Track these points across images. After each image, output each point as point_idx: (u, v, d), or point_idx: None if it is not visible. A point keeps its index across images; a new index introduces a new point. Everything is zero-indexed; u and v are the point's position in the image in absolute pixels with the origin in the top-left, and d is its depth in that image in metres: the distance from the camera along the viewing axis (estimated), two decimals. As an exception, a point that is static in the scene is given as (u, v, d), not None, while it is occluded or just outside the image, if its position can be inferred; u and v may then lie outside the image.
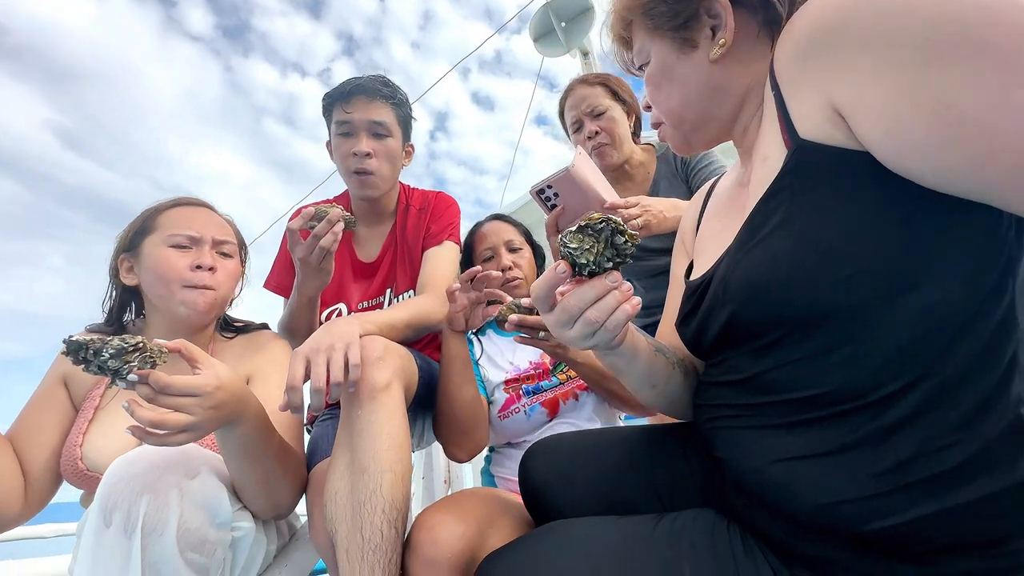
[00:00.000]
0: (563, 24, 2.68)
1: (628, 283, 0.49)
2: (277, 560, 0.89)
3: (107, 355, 0.57)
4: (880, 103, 0.38)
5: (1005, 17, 0.32)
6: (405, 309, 0.97)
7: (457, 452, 1.00)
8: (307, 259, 0.93)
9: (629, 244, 0.47)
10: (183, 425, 0.61)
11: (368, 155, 1.09)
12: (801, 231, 0.43)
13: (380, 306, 1.18)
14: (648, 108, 0.66)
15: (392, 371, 0.77)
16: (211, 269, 0.89)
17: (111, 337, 0.59)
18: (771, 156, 0.48)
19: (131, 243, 0.91)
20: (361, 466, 0.69)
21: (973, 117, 0.33)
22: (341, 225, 0.92)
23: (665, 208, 0.98)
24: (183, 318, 0.90)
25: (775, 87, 0.47)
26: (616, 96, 1.31)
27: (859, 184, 0.40)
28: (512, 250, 1.22)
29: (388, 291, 1.19)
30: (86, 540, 0.65)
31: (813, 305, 0.43)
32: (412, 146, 1.23)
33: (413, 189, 1.28)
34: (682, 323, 0.63)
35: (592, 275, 0.48)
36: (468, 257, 1.28)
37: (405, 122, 1.17)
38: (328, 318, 1.16)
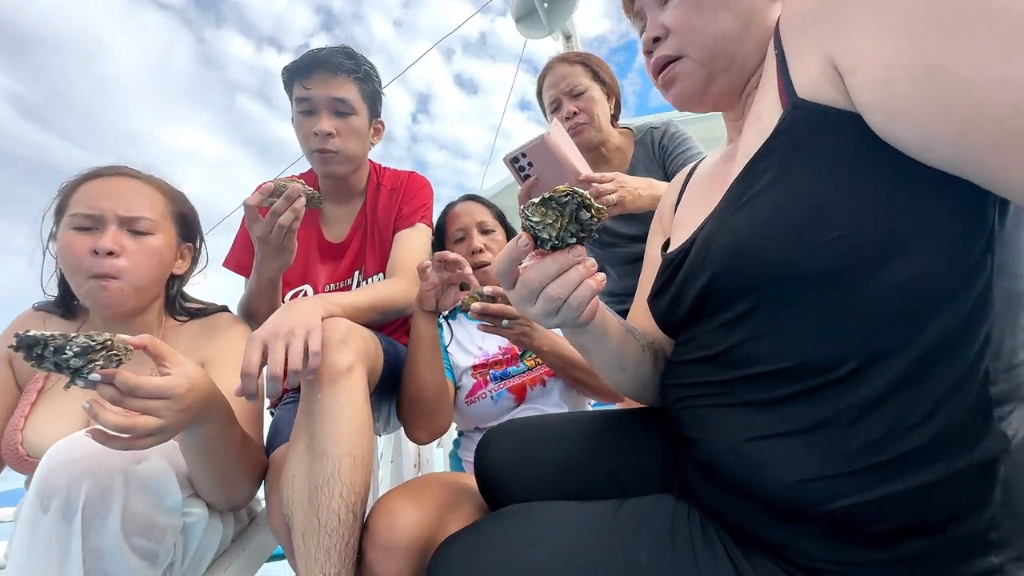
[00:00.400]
0: (546, 5, 2.63)
1: (592, 259, 0.47)
2: (235, 544, 0.87)
3: (70, 353, 0.53)
4: (877, 62, 0.37)
5: None
6: (372, 292, 0.94)
7: (419, 434, 0.98)
8: (266, 238, 0.87)
9: (595, 220, 0.45)
10: (151, 429, 0.58)
11: (330, 134, 1.03)
12: (789, 192, 0.42)
13: (348, 288, 1.14)
14: (655, 42, 0.59)
15: (355, 354, 0.75)
16: (110, 253, 0.78)
17: (75, 335, 0.54)
18: (765, 117, 0.47)
19: (54, 225, 0.84)
20: (320, 450, 0.67)
21: (964, 82, 0.32)
22: (302, 201, 0.86)
23: (640, 186, 0.97)
24: (96, 311, 0.84)
25: (778, 46, 0.46)
26: (596, 76, 1.28)
27: (852, 147, 0.39)
28: (484, 232, 1.19)
29: (357, 273, 1.15)
30: (21, 527, 0.62)
31: (795, 268, 0.41)
32: (382, 123, 1.16)
33: (385, 168, 1.22)
34: (655, 296, 0.61)
35: (555, 249, 0.46)
36: (440, 238, 1.24)
37: (372, 97, 1.10)
38: (297, 297, 1.11)
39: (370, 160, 1.21)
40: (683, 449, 0.57)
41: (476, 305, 0.81)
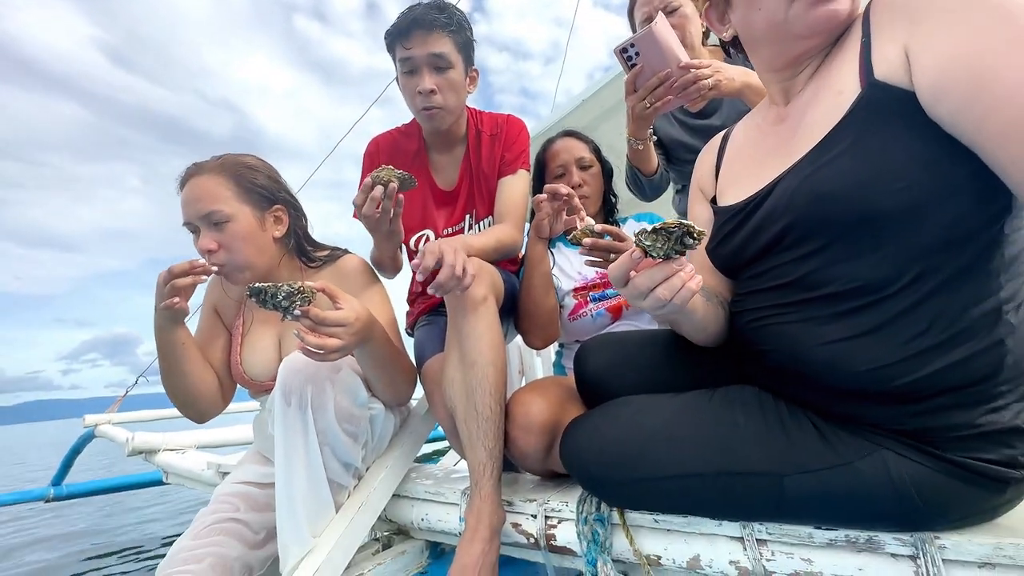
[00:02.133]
0: None
1: (691, 265, 0.59)
2: (402, 430, 1.17)
3: (280, 297, 0.77)
4: (938, 53, 0.48)
5: None
6: (491, 236, 1.08)
7: (535, 341, 1.20)
8: (374, 228, 1.00)
9: (696, 242, 0.56)
10: (335, 347, 0.81)
11: (432, 92, 1.11)
12: (866, 154, 0.54)
13: (462, 231, 1.28)
14: None
15: (486, 287, 0.94)
16: (209, 252, 0.96)
17: (282, 284, 0.78)
18: (845, 91, 0.57)
19: None
20: (471, 360, 0.90)
21: (996, 78, 0.43)
22: (393, 187, 0.95)
23: (736, 74, 1.03)
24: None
25: (866, 33, 0.56)
26: None
27: (913, 122, 0.51)
28: (583, 167, 1.29)
29: (468, 217, 1.27)
30: (277, 415, 0.90)
31: (868, 209, 0.53)
32: (476, 71, 1.23)
33: (481, 113, 1.30)
34: (720, 244, 0.73)
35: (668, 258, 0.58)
36: (540, 172, 1.34)
37: (466, 47, 1.17)
38: (417, 243, 1.28)
39: (467, 106, 1.28)
40: (755, 360, 0.71)
41: (587, 240, 0.94)
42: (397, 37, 1.12)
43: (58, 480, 2.59)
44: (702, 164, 0.86)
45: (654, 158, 1.30)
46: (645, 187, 1.37)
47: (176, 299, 0.92)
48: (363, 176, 1.27)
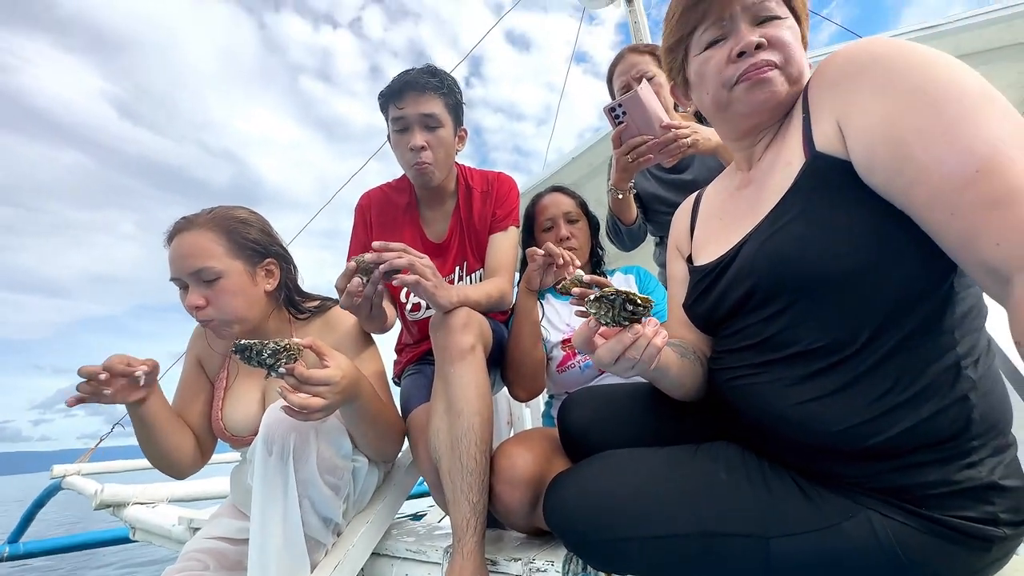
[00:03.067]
0: (605, -27, 2.62)
1: (656, 321, 0.62)
2: (385, 484, 1.13)
3: (265, 355, 0.76)
4: (866, 127, 0.53)
5: (964, 100, 0.47)
6: (483, 289, 1.09)
7: (520, 393, 1.20)
8: (355, 313, 0.98)
9: (642, 308, 0.59)
10: (319, 407, 0.79)
11: (423, 148, 1.15)
12: (814, 219, 0.58)
13: (452, 283, 1.28)
14: (757, 48, 0.65)
15: (475, 336, 0.95)
16: (197, 308, 0.95)
17: (268, 341, 0.77)
18: (793, 162, 0.62)
19: None
20: (456, 410, 0.89)
21: (913, 154, 0.49)
22: (378, 275, 0.91)
23: (711, 134, 1.13)
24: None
25: (805, 109, 0.62)
26: (661, 65, 1.39)
27: (854, 189, 0.55)
28: (570, 221, 1.34)
29: (458, 268, 1.29)
30: (257, 465, 0.88)
31: (818, 273, 0.57)
32: (465, 130, 1.28)
33: (471, 170, 1.34)
34: (695, 302, 0.76)
35: (619, 325, 0.61)
36: (529, 225, 1.39)
37: (455, 109, 1.22)
38: (408, 295, 1.30)
39: (456, 163, 1.32)
40: (732, 417, 0.72)
41: (576, 290, 0.97)
42: (391, 97, 1.17)
43: (15, 537, 2.43)
44: (677, 223, 0.91)
45: (633, 209, 1.41)
46: (624, 236, 1.47)
47: (79, 397, 0.87)
48: (354, 230, 1.32)
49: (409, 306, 1.30)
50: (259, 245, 1.03)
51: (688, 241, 0.85)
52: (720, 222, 0.78)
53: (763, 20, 0.66)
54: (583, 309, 1.01)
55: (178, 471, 1.05)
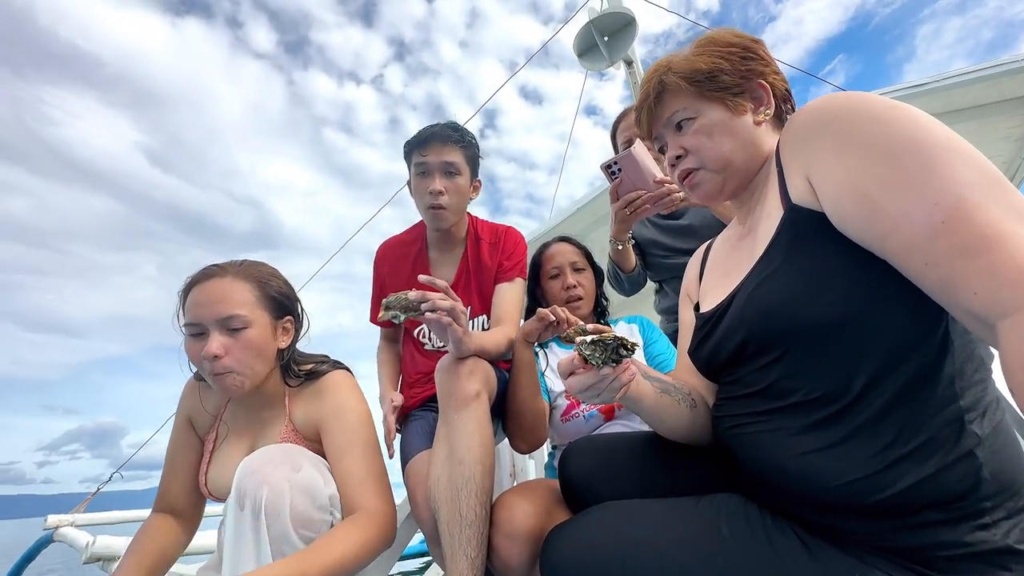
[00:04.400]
0: (606, 39, 2.78)
1: (632, 363, 0.69)
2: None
3: None
4: (833, 183, 0.54)
5: (925, 152, 0.48)
6: (495, 339, 1.10)
7: (520, 445, 1.16)
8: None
9: (629, 353, 0.65)
10: None
11: (441, 192, 1.25)
12: (796, 270, 0.59)
13: None
14: (677, 159, 0.76)
15: (480, 382, 0.95)
16: (215, 357, 0.90)
17: None
18: (772, 215, 0.64)
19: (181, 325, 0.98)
20: (458, 458, 0.87)
21: (881, 208, 0.50)
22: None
23: None
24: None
25: (778, 163, 0.64)
26: None
27: (833, 237, 0.56)
28: (576, 270, 1.37)
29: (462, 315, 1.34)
30: (228, 520, 0.84)
31: (808, 322, 0.57)
32: (479, 181, 1.37)
33: (481, 221, 1.41)
34: (696, 348, 0.77)
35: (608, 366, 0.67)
36: (536, 273, 1.42)
37: (473, 161, 1.33)
38: (420, 335, 1.37)
39: (467, 212, 1.40)
40: (735, 466, 0.71)
41: (579, 339, 0.97)
42: (416, 146, 1.28)
43: (1, 594, 2.36)
44: (689, 272, 0.93)
45: (632, 258, 1.49)
46: (624, 283, 1.55)
47: None
48: (375, 282, 1.43)
49: (424, 341, 1.35)
50: (286, 299, 1.04)
51: (697, 287, 0.87)
52: (722, 270, 0.79)
53: (680, 126, 0.75)
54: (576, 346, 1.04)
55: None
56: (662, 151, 0.81)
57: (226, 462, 1.02)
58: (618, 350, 0.64)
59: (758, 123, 0.72)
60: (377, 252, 1.44)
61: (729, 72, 0.72)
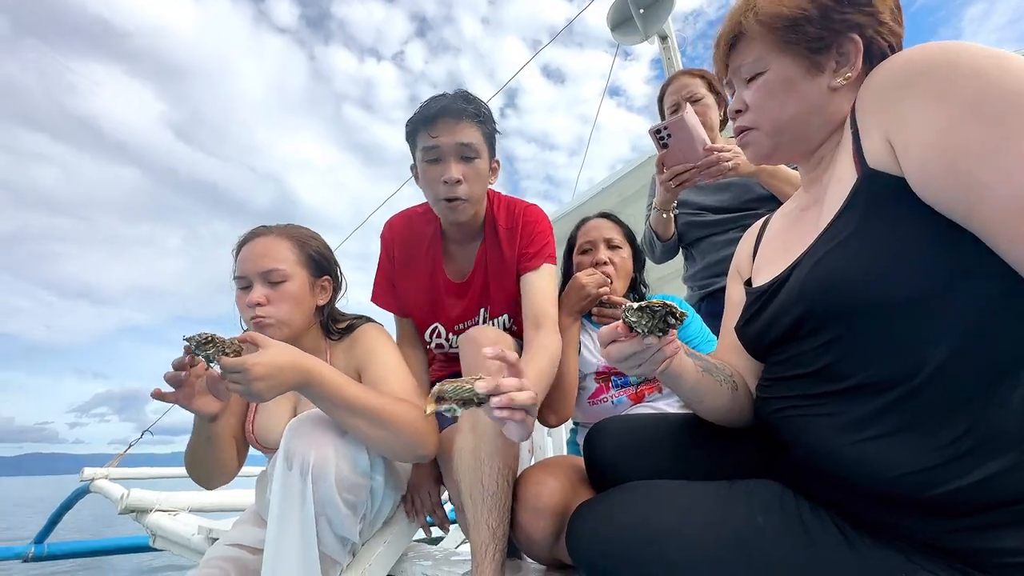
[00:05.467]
0: (641, 11, 2.67)
1: (676, 338, 0.64)
2: (400, 509, 1.11)
3: (193, 346, 0.81)
4: (919, 144, 0.49)
5: None
6: (545, 361, 0.97)
7: (551, 417, 1.14)
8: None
9: (677, 323, 0.60)
10: (233, 391, 0.81)
11: (459, 181, 1.05)
12: (869, 239, 0.53)
13: (477, 324, 1.21)
14: (737, 113, 0.72)
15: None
16: (258, 304, 1.00)
17: (206, 334, 0.81)
18: (844, 180, 0.59)
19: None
20: (481, 431, 0.87)
21: (973, 174, 0.45)
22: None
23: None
24: None
25: (853, 125, 0.58)
26: (711, 87, 1.49)
27: (913, 204, 0.51)
28: (611, 247, 1.28)
29: (482, 311, 1.21)
30: (276, 478, 0.88)
31: (879, 297, 0.52)
32: (498, 161, 1.17)
33: (499, 200, 1.21)
34: (745, 324, 0.73)
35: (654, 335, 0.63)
36: (570, 248, 1.34)
37: (491, 138, 1.12)
38: (431, 336, 1.24)
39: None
40: (779, 452, 0.67)
41: (595, 308, 0.96)
42: (423, 124, 1.06)
43: (41, 538, 2.49)
44: (742, 247, 0.87)
45: (672, 227, 1.49)
46: (658, 250, 1.55)
47: (166, 393, 0.90)
48: (381, 260, 1.26)
49: (433, 345, 1.27)
50: (324, 260, 1.12)
51: (749, 264, 0.82)
52: (781, 243, 0.74)
53: (750, 79, 0.69)
54: (612, 316, 1.04)
55: (214, 484, 1.09)
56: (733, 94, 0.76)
57: (272, 414, 1.11)
58: (666, 318, 0.60)
59: (834, 89, 0.64)
60: (384, 228, 1.26)
61: (816, 21, 0.62)
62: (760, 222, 0.87)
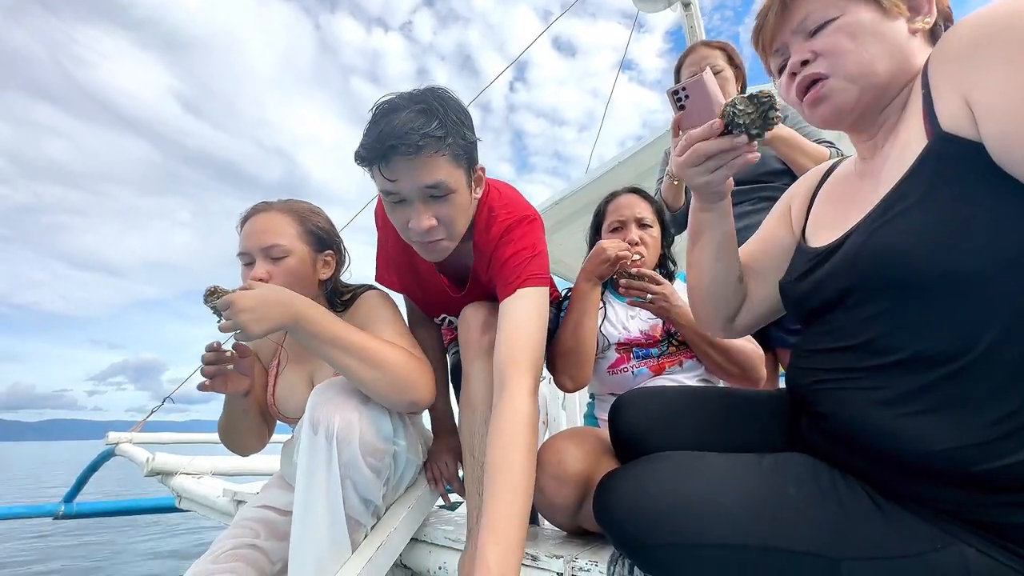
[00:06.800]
0: (665, -25, 2.58)
1: (755, 147, 0.65)
2: (421, 475, 1.14)
3: (205, 299, 0.87)
4: (1002, 107, 0.46)
5: None
6: (522, 453, 0.76)
7: (566, 382, 1.15)
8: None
9: (775, 120, 0.61)
10: (227, 327, 0.83)
11: (432, 227, 0.85)
12: (936, 208, 0.51)
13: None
14: (802, 64, 0.65)
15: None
16: (260, 280, 0.97)
17: (207, 288, 0.88)
18: (911, 145, 0.56)
19: None
20: (472, 406, 0.93)
21: None
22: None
23: None
24: None
25: (925, 85, 0.55)
26: (731, 60, 1.47)
27: (988, 172, 0.48)
28: (642, 226, 1.25)
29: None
30: (303, 442, 0.90)
31: (936, 270, 0.50)
32: (482, 168, 0.95)
33: (483, 208, 0.99)
34: (795, 279, 0.70)
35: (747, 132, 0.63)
36: (598, 223, 1.31)
37: (467, 155, 0.87)
38: (441, 322, 1.21)
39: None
40: (813, 423, 0.67)
41: (623, 280, 0.96)
42: (374, 162, 0.83)
43: (70, 497, 2.59)
44: (802, 183, 0.84)
45: (682, 196, 1.48)
46: (668, 220, 1.50)
47: (208, 384, 1.00)
48: (379, 240, 1.14)
49: (445, 323, 1.26)
50: (325, 234, 1.12)
51: (803, 212, 0.79)
52: (836, 206, 0.72)
53: (816, 30, 0.64)
54: (634, 300, 1.06)
55: (249, 451, 1.17)
56: (781, 71, 0.70)
57: (289, 385, 1.14)
58: (769, 112, 0.60)
59: (913, 31, 0.61)
60: (377, 208, 1.08)
61: None
62: (825, 166, 0.82)
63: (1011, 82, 0.45)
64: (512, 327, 0.87)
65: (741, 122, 0.62)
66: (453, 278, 1.07)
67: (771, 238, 0.83)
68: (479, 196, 0.97)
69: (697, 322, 0.92)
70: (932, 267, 0.51)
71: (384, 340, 0.94)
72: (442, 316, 1.19)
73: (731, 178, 0.69)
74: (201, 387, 1.00)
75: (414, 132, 0.79)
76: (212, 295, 0.86)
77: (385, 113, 0.82)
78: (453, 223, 0.87)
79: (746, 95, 0.62)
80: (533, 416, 0.79)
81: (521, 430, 0.77)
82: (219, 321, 0.84)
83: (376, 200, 0.99)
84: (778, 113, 0.61)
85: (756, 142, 0.65)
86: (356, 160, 0.85)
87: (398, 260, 1.10)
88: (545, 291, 0.94)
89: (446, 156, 0.83)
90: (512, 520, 0.70)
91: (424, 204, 0.84)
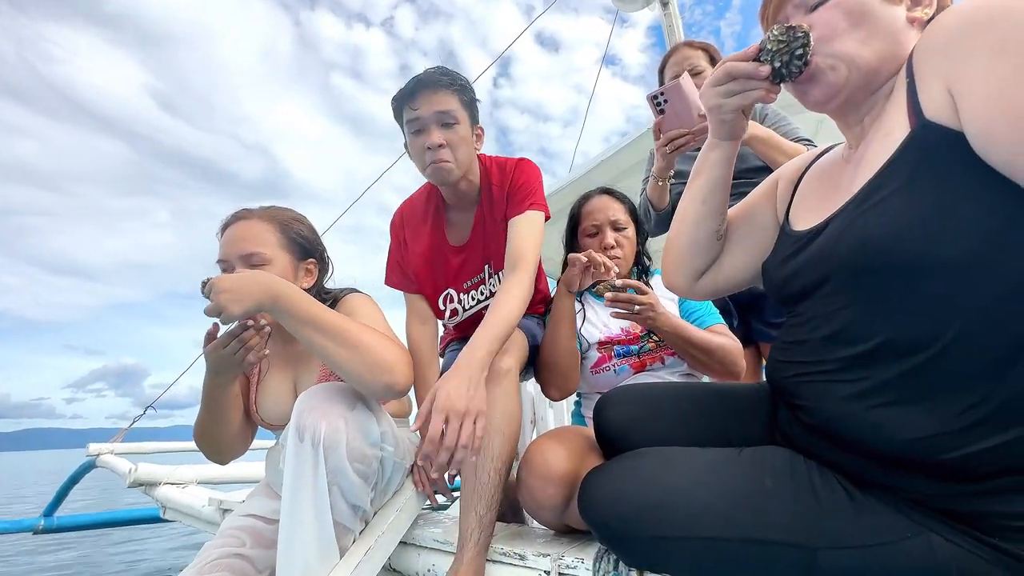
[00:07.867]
0: (643, -25, 2.60)
1: (777, 88, 0.66)
2: (408, 481, 1.14)
3: (201, 288, 0.86)
4: (984, 96, 0.46)
5: None
6: (500, 321, 0.98)
7: (553, 392, 1.19)
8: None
9: (802, 62, 0.62)
10: (212, 311, 0.83)
11: (441, 145, 1.11)
12: (917, 197, 0.51)
13: (483, 282, 1.26)
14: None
15: (513, 358, 0.98)
16: None
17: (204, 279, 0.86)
18: (893, 134, 0.56)
19: None
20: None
21: None
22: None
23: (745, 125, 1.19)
24: None
25: (909, 74, 0.55)
26: (713, 61, 1.50)
27: (969, 162, 0.48)
28: (617, 229, 1.27)
29: (487, 267, 1.26)
30: (288, 450, 0.89)
31: (913, 259, 0.50)
32: (481, 128, 1.22)
33: (492, 162, 1.25)
34: (778, 263, 0.71)
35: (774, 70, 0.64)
36: (573, 227, 1.33)
37: (470, 105, 1.17)
38: (445, 302, 1.28)
39: (479, 155, 1.25)
40: (792, 415, 0.68)
41: (609, 294, 0.98)
42: (404, 99, 1.13)
43: (50, 511, 2.53)
44: (790, 166, 0.85)
45: (667, 196, 1.49)
46: (653, 220, 1.54)
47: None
48: (392, 244, 1.32)
49: (448, 312, 1.30)
50: (308, 243, 1.11)
51: (787, 195, 0.80)
52: (819, 193, 0.72)
53: (816, 5, 0.64)
54: (619, 311, 1.07)
55: (228, 456, 1.12)
56: None
57: (271, 392, 1.12)
58: (797, 49, 0.61)
59: (912, 20, 0.61)
60: (395, 215, 1.35)
61: None
62: (814, 152, 0.83)
63: (994, 74, 0.45)
64: (523, 236, 1.13)
65: (770, 47, 0.62)
66: (456, 238, 1.27)
67: (756, 206, 0.84)
68: (479, 148, 1.23)
69: (664, 276, 0.90)
70: (906, 255, 0.51)
71: (362, 324, 0.94)
72: (445, 293, 1.28)
73: (744, 119, 0.71)
74: (253, 359, 0.94)
75: (434, 76, 1.12)
76: (204, 286, 0.87)
77: (417, 74, 1.14)
78: (457, 147, 1.13)
79: (787, 25, 0.62)
80: (528, 291, 1.05)
81: (520, 293, 1.03)
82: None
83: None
84: (808, 55, 0.60)
85: (779, 83, 0.65)
86: (392, 103, 1.17)
87: (411, 238, 1.27)
88: (543, 215, 1.19)
89: (455, 98, 1.13)
90: (494, 330, 0.95)
91: (437, 128, 1.12)
